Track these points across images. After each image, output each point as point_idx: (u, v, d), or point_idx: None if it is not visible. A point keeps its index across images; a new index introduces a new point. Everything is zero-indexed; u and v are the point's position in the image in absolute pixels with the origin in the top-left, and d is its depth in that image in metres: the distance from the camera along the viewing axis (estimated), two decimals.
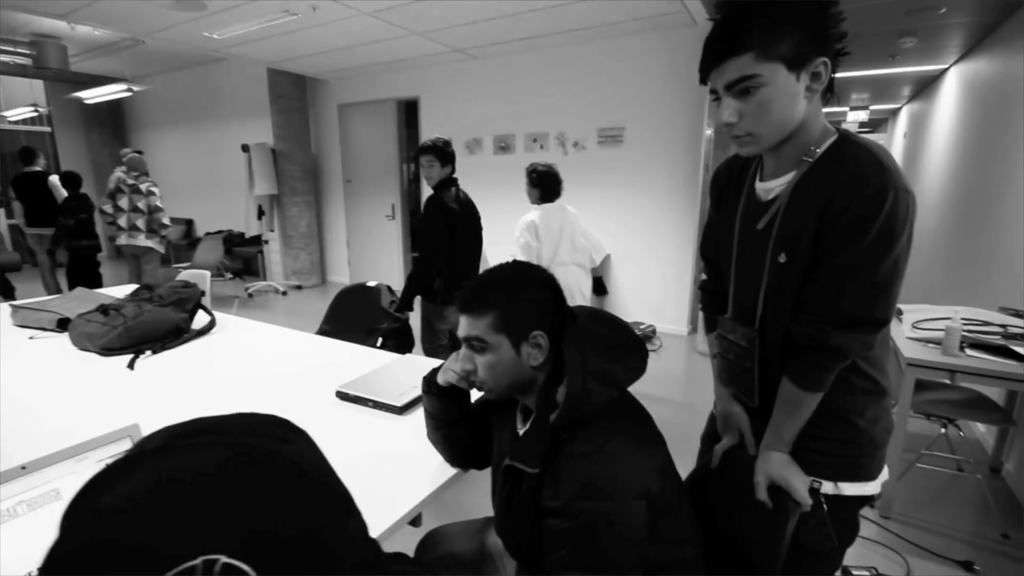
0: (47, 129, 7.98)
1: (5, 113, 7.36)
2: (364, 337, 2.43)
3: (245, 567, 0.24)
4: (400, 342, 2.55)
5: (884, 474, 0.95)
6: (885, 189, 0.75)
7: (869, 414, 0.90)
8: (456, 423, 1.02)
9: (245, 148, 5.71)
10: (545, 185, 2.72)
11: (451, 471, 1.05)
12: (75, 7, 3.72)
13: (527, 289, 0.88)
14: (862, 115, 6.43)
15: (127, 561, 0.24)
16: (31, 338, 1.89)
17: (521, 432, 0.91)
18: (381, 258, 6.01)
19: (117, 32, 4.62)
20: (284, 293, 5.95)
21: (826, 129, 0.86)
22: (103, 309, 1.81)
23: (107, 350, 1.70)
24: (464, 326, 0.88)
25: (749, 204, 0.95)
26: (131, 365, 1.62)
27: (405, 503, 0.95)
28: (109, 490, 0.26)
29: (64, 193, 4.68)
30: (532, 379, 0.87)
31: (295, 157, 5.96)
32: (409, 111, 5.58)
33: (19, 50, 5.66)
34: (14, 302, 2.20)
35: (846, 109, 6.69)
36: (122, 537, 0.25)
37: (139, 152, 4.57)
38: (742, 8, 0.78)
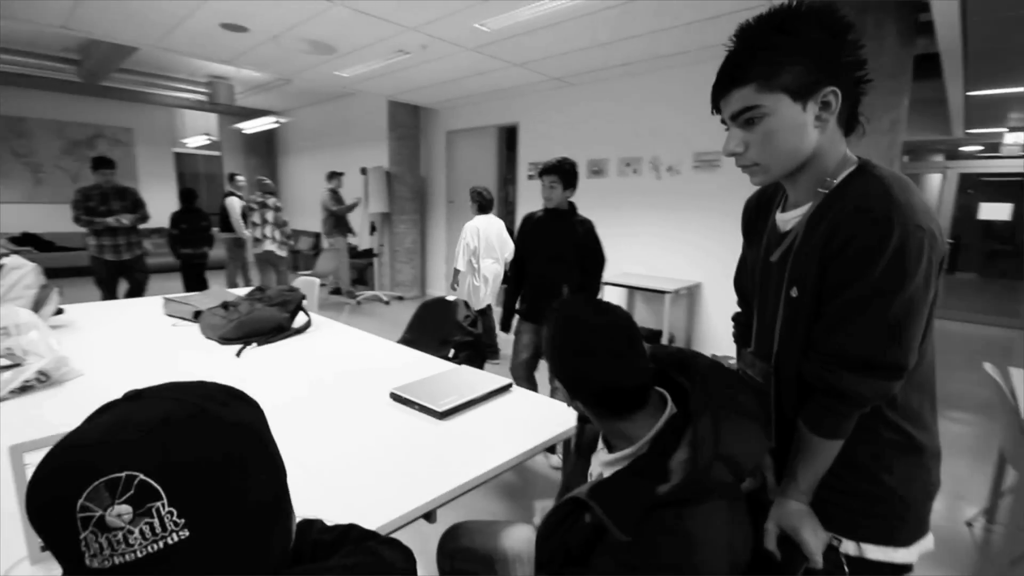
0: (217, 154, 9.56)
1: (186, 140, 8.94)
2: (438, 347, 2.60)
3: (156, 484, 0.35)
4: (471, 355, 2.69)
5: (927, 543, 0.85)
6: (891, 221, 0.71)
7: (899, 471, 0.82)
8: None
9: (364, 171, 6.37)
10: (484, 204, 3.90)
11: (469, 476, 1.13)
12: (239, 53, 4.48)
13: (600, 349, 0.82)
14: (1022, 136, 5.52)
15: (74, 476, 0.35)
16: (174, 325, 2.32)
17: (603, 461, 0.89)
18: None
19: (271, 74, 5.46)
20: (387, 303, 6.48)
21: (846, 159, 0.82)
22: (224, 305, 2.17)
23: (223, 339, 2.03)
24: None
25: (770, 235, 0.93)
26: (238, 354, 1.92)
27: (420, 498, 1.04)
28: (86, 424, 0.39)
29: (238, 216, 5.52)
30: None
31: (406, 179, 6.52)
32: (509, 136, 5.86)
33: (198, 89, 6.89)
34: (168, 295, 2.69)
35: (1004, 130, 5.77)
36: (74, 455, 0.36)
37: (263, 178, 5.32)
38: (748, 39, 0.79)
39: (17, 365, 1.54)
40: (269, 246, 5.02)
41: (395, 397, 1.51)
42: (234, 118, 8.42)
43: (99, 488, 0.34)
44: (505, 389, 1.59)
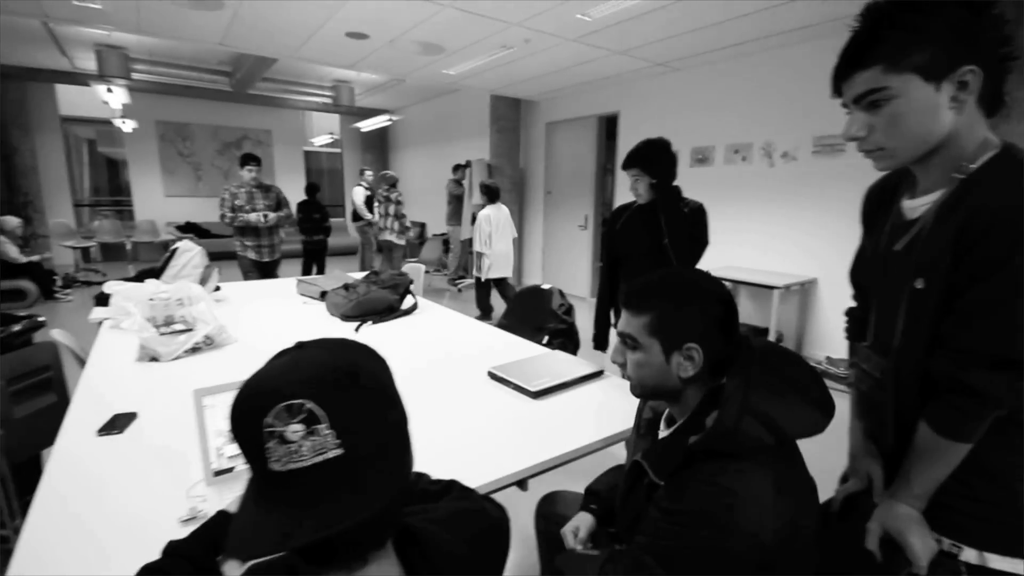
0: (338, 151, 10.49)
1: (313, 140, 9.91)
2: (533, 333, 2.69)
3: (320, 412, 0.45)
4: (565, 343, 2.74)
5: None
6: None
7: None
8: None
9: (467, 164, 6.65)
10: (492, 194, 4.74)
11: (558, 452, 1.19)
12: (361, 58, 4.89)
13: (692, 299, 0.85)
14: None
15: (263, 400, 0.46)
16: (304, 303, 2.64)
17: (661, 435, 0.94)
18: (571, 264, 6.34)
19: (386, 75, 5.89)
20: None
21: (986, 142, 0.75)
22: (345, 286, 2.43)
23: (344, 316, 2.28)
24: (622, 321, 0.89)
25: (894, 223, 0.88)
26: (357, 329, 2.16)
27: (514, 466, 1.12)
28: (269, 364, 0.51)
29: (361, 204, 6.24)
30: (678, 390, 0.86)
31: (505, 171, 6.70)
32: (609, 126, 5.78)
33: (324, 93, 7.60)
34: (300, 277, 3.06)
35: None
36: (264, 384, 0.48)
37: (388, 172, 5.85)
38: (876, 17, 0.75)
39: (189, 330, 1.88)
40: (388, 235, 5.47)
41: (492, 376, 1.61)
42: (353, 118, 9.18)
43: (281, 410, 0.45)
44: (597, 375, 1.63)
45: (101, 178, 9.51)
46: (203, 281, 2.53)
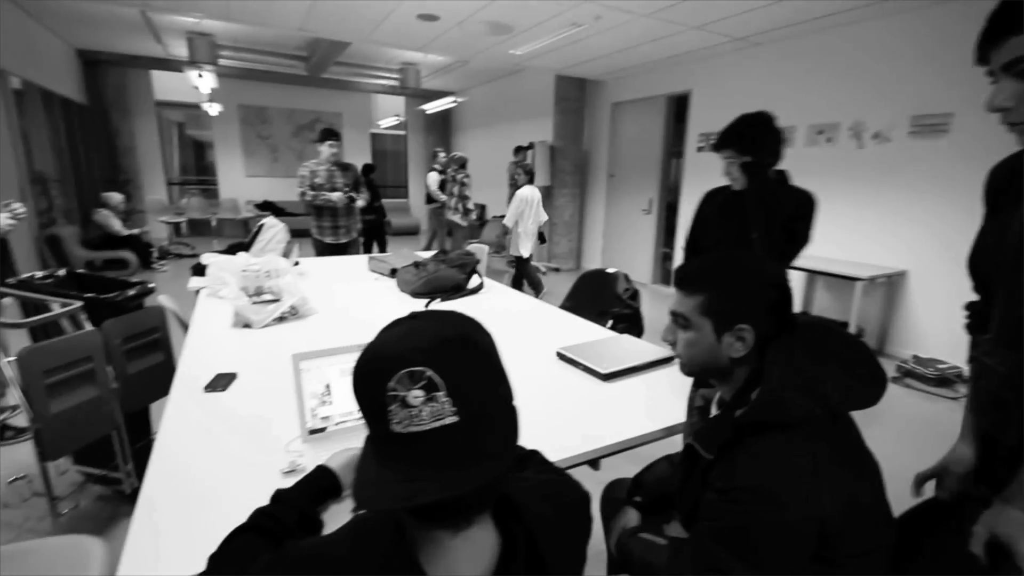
0: (403, 133, 10.72)
1: (379, 122, 10.17)
2: (597, 317, 2.68)
3: (439, 380, 0.48)
4: (629, 327, 2.71)
5: None
6: None
7: None
8: None
9: (530, 146, 6.62)
10: (530, 175, 5.02)
11: (630, 435, 1.19)
12: (430, 40, 4.95)
13: (748, 281, 0.86)
14: None
15: (387, 365, 0.49)
16: (376, 279, 2.76)
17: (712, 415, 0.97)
18: (633, 249, 6.21)
19: (453, 56, 5.93)
20: (544, 273, 6.73)
21: None
22: (415, 264, 2.51)
23: (414, 293, 2.36)
24: (675, 300, 0.90)
25: None
26: (426, 306, 2.23)
27: (587, 445, 1.13)
28: (387, 332, 0.54)
29: (435, 187, 6.43)
30: (727, 370, 0.87)
31: (568, 153, 6.61)
32: (678, 106, 5.55)
33: (391, 75, 7.76)
34: (372, 254, 3.18)
35: None
36: (387, 350, 0.51)
37: (456, 153, 5.94)
38: None
39: (277, 300, 2.01)
40: (451, 216, 5.58)
41: (561, 356, 1.63)
42: (419, 100, 9.34)
43: (403, 376, 0.48)
44: (667, 361, 1.61)
45: (189, 159, 10.23)
46: (285, 255, 2.69)
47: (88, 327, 1.75)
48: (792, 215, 1.80)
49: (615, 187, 6.43)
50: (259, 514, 0.74)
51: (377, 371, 0.50)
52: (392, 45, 5.34)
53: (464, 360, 0.51)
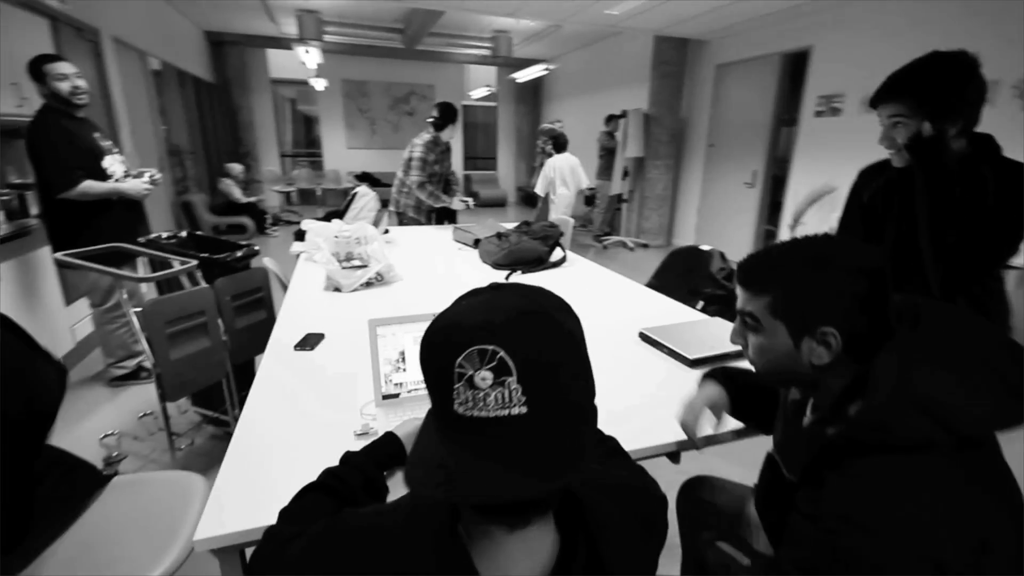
0: (493, 104, 10.70)
1: (471, 93, 10.22)
2: (687, 297, 2.51)
3: (511, 363, 0.42)
4: (722, 310, 2.51)
5: None
6: None
7: None
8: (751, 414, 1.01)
9: (622, 114, 6.30)
10: (560, 144, 5.15)
11: (718, 430, 1.08)
12: (520, 5, 4.82)
13: (828, 274, 0.69)
14: None
15: (457, 340, 0.45)
16: (459, 249, 2.78)
17: (805, 422, 0.83)
18: (730, 226, 5.76)
19: (546, 21, 5.75)
20: (632, 249, 6.48)
21: None
22: (498, 235, 2.49)
23: (496, 264, 2.34)
24: (741, 297, 0.77)
25: None
26: (507, 278, 2.20)
27: (667, 436, 1.05)
28: (460, 303, 0.50)
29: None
30: (813, 379, 0.73)
31: (664, 121, 6.21)
32: (793, 66, 4.96)
33: (483, 44, 7.71)
34: (455, 224, 3.21)
35: None
36: (461, 321, 0.47)
37: (546, 124, 5.83)
38: None
39: (365, 266, 2.08)
40: (535, 188, 5.53)
41: (644, 337, 1.52)
42: (510, 69, 9.23)
43: (473, 354, 0.43)
44: None
45: (299, 132, 10.98)
46: (376, 223, 2.79)
47: (203, 284, 1.93)
48: (1003, 197, 1.22)
49: (714, 158, 5.96)
50: (328, 474, 0.76)
51: (446, 343, 0.45)
52: (484, 11, 5.27)
53: (543, 344, 0.45)
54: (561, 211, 5.05)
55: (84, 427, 2.24)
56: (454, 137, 3.51)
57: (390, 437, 0.87)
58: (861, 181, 1.53)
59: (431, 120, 3.42)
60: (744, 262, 0.77)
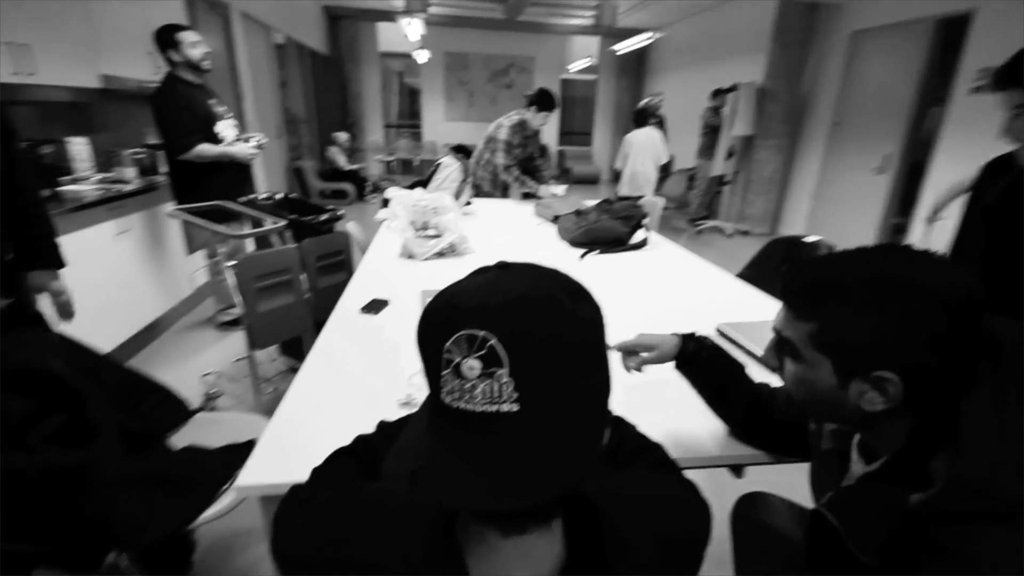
0: (593, 77, 10.33)
1: (570, 66, 9.93)
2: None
3: (502, 353, 0.37)
4: None
5: None
6: None
7: None
8: (725, 396, 0.90)
9: (733, 87, 5.78)
10: (642, 118, 5.09)
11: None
12: None
13: (895, 305, 0.53)
14: None
15: (447, 321, 0.39)
16: (538, 224, 2.72)
17: (857, 469, 0.66)
18: (851, 216, 5.11)
19: None
20: (729, 235, 6.01)
21: None
22: (577, 212, 2.39)
23: (572, 242, 2.26)
24: (780, 318, 0.63)
25: None
26: (582, 257, 2.11)
27: (731, 448, 0.93)
28: (465, 280, 0.44)
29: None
30: (859, 421, 0.60)
31: (780, 96, 5.61)
32: (950, 32, 4.19)
33: (585, 14, 7.42)
34: (540, 195, 3.14)
35: None
36: (454, 302, 0.41)
37: (651, 96, 5.53)
38: None
39: (438, 236, 2.10)
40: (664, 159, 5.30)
41: (721, 333, 1.38)
42: (613, 40, 8.82)
43: (461, 338, 0.38)
44: None
45: (404, 104, 11.40)
46: (457, 195, 2.80)
47: (291, 244, 2.06)
48: None
49: (839, 138, 5.28)
50: (359, 441, 0.75)
51: (439, 324, 0.40)
52: None
53: (545, 333, 0.38)
54: (636, 188, 4.91)
55: (192, 364, 2.52)
56: (545, 125, 3.35)
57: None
58: (985, 177, 1.27)
59: (526, 97, 3.29)
60: (790, 272, 0.61)
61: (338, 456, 0.72)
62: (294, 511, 0.57)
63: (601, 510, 0.47)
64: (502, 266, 0.45)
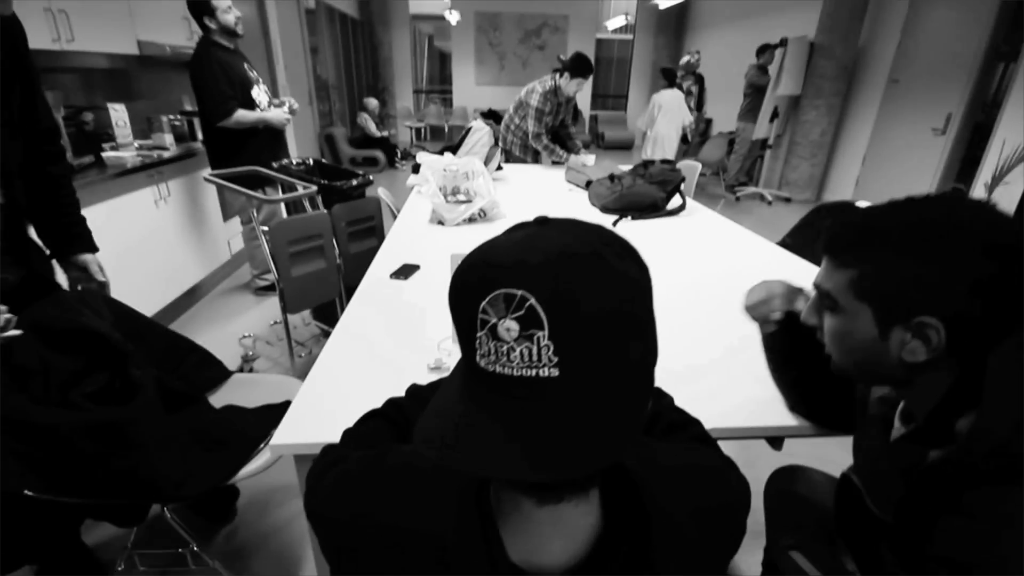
0: (629, 37, 9.89)
1: (607, 24, 9.50)
2: None
3: (542, 314, 0.34)
4: None
5: None
6: None
7: None
8: (798, 363, 0.83)
9: (782, 42, 5.41)
10: (671, 76, 5.13)
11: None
12: None
13: (943, 250, 0.52)
14: None
15: (483, 280, 0.37)
16: (570, 190, 2.65)
17: (893, 435, 0.65)
18: (905, 181, 4.81)
19: None
20: (770, 203, 5.75)
21: None
22: (611, 177, 2.31)
23: (605, 209, 2.19)
24: (821, 271, 0.62)
25: None
26: (614, 223, 2.05)
27: (768, 418, 0.89)
28: (502, 237, 0.41)
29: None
30: (902, 377, 0.59)
31: (833, 51, 5.23)
32: None
33: None
34: (568, 164, 3.05)
35: None
36: (489, 259, 0.39)
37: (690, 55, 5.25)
38: None
39: (468, 201, 2.06)
40: (687, 120, 5.10)
41: None
42: None
43: (498, 298, 0.35)
44: None
45: (435, 69, 11.21)
46: (487, 160, 2.75)
47: (322, 209, 2.07)
48: None
49: (895, 97, 4.92)
50: (389, 404, 0.75)
51: (474, 283, 0.38)
52: None
53: (588, 293, 0.35)
54: (661, 148, 4.88)
55: (230, 327, 2.61)
56: (579, 92, 3.19)
57: None
58: None
59: (559, 66, 3.12)
60: (835, 227, 0.61)
61: (369, 418, 0.72)
62: (326, 471, 0.57)
63: (640, 480, 0.45)
64: (541, 221, 0.41)
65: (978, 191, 3.99)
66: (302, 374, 1.02)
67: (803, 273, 1.61)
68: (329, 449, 0.64)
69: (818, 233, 2.37)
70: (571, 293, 0.35)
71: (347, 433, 0.68)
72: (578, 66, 3.03)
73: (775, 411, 0.91)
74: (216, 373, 1.33)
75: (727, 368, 1.05)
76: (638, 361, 0.39)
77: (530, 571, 0.41)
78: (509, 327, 0.35)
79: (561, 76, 3.10)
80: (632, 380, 0.38)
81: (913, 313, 0.53)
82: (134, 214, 2.43)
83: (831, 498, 0.93)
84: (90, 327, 0.99)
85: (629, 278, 0.38)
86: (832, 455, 1.03)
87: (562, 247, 0.37)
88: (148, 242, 2.51)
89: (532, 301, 0.34)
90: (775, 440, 0.93)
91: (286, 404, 0.89)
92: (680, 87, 5.25)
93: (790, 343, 0.83)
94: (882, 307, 0.56)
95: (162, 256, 2.63)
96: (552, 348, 0.34)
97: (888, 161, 5.03)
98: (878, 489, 0.58)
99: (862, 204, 2.28)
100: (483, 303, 0.36)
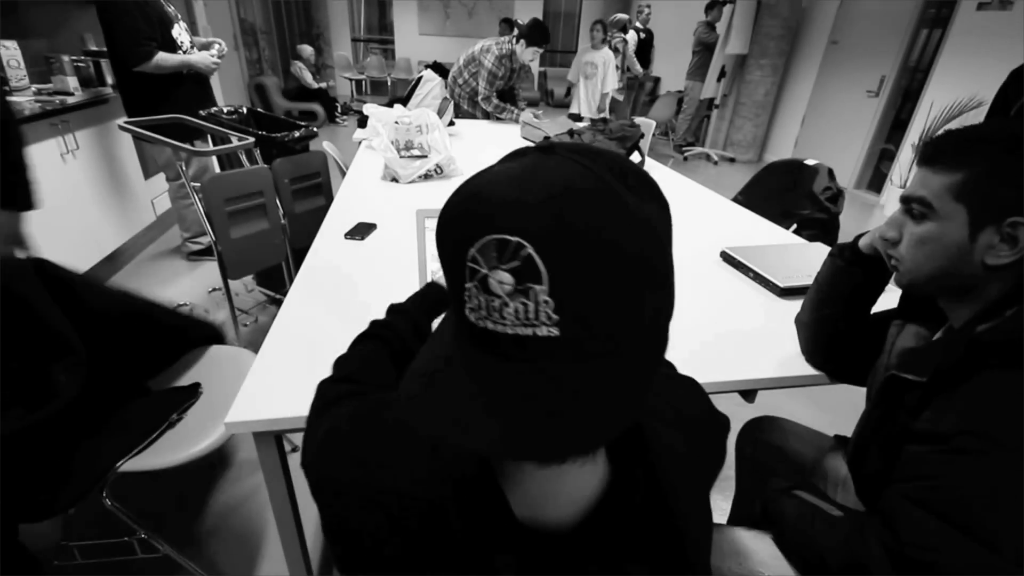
0: None
1: None
2: (777, 218, 2.20)
3: (541, 265, 0.28)
4: (818, 235, 2.20)
5: None
6: None
7: None
8: (845, 303, 0.84)
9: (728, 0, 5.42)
10: (605, 32, 4.73)
11: (802, 371, 0.92)
12: None
13: None
14: None
15: (472, 221, 0.31)
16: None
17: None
18: (838, 141, 5.04)
19: None
20: (715, 163, 5.90)
21: None
22: (569, 132, 2.25)
23: None
24: (915, 180, 0.66)
25: None
26: None
27: (741, 372, 0.90)
28: (497, 167, 0.35)
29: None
30: (973, 283, 0.63)
31: (780, 10, 5.29)
32: None
33: None
34: (526, 120, 2.95)
35: None
36: (480, 196, 0.32)
37: (618, 15, 5.11)
38: None
39: (423, 157, 1.95)
40: (609, 87, 4.96)
41: (726, 258, 1.33)
42: None
43: (489, 244, 0.30)
44: None
45: (373, 16, 10.48)
46: (440, 113, 2.60)
47: (261, 164, 1.89)
48: None
49: (834, 59, 5.09)
50: (376, 324, 0.71)
51: (462, 224, 0.32)
52: None
53: (596, 239, 0.29)
54: (582, 107, 4.70)
55: (163, 296, 2.39)
56: (532, 61, 3.11)
57: (433, 286, 0.81)
58: (1012, 84, 1.30)
59: (516, 27, 2.99)
60: (936, 136, 0.66)
61: (359, 342, 0.69)
62: (321, 414, 0.54)
63: (644, 426, 0.42)
64: (544, 148, 0.34)
65: (905, 153, 4.24)
66: (248, 344, 0.93)
67: (758, 227, 1.65)
68: (324, 387, 0.59)
69: (768, 190, 2.44)
70: (576, 240, 0.29)
71: (341, 360, 0.65)
72: (535, 34, 2.92)
73: (750, 363, 0.92)
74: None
75: (695, 321, 1.05)
76: (652, 318, 0.33)
77: (537, 528, 0.38)
78: (502, 279, 0.29)
79: (517, 43, 2.98)
80: (644, 341, 0.33)
81: (1006, 213, 0.58)
82: (37, 169, 2.12)
83: (805, 446, 0.97)
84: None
85: (646, 219, 0.32)
86: (793, 409, 1.07)
87: (567, 182, 0.31)
88: (55, 200, 2.22)
89: (530, 250, 0.29)
90: (748, 393, 0.95)
91: (194, 387, 0.81)
92: (609, 44, 5.09)
93: (850, 281, 0.84)
94: (980, 206, 0.60)
95: (75, 217, 2.35)
96: (552, 305, 0.29)
97: (825, 122, 5.24)
98: (915, 363, 0.64)
99: (810, 162, 2.36)
100: (472, 250, 0.30)
